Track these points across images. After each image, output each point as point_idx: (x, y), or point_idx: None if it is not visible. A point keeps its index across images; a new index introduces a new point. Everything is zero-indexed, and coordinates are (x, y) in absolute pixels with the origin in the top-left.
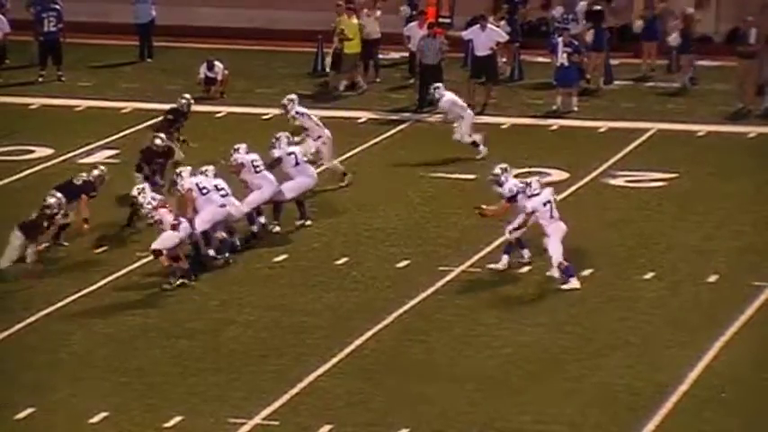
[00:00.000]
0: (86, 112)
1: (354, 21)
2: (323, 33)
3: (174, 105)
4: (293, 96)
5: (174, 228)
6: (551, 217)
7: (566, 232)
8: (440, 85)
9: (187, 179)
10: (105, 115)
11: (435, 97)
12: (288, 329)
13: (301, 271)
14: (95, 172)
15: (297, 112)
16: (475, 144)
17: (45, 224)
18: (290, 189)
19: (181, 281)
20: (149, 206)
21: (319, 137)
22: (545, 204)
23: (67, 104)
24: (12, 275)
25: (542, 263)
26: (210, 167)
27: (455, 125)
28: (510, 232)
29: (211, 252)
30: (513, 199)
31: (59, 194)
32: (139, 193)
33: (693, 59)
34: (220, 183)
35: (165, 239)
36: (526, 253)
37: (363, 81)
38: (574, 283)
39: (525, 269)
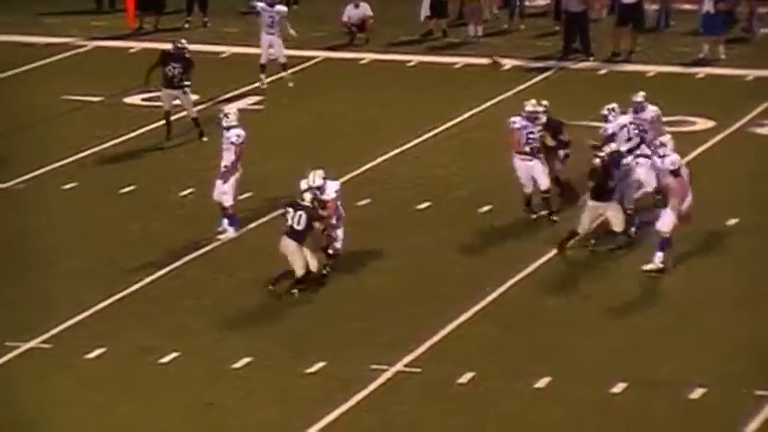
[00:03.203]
0: (231, 58)
1: None
2: None
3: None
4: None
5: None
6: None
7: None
8: None
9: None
10: (250, 62)
11: None
12: (430, 277)
13: (444, 219)
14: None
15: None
16: None
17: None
18: None
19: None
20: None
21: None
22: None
23: (213, 51)
24: None
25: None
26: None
27: None
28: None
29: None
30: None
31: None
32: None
33: None
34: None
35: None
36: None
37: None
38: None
39: None
